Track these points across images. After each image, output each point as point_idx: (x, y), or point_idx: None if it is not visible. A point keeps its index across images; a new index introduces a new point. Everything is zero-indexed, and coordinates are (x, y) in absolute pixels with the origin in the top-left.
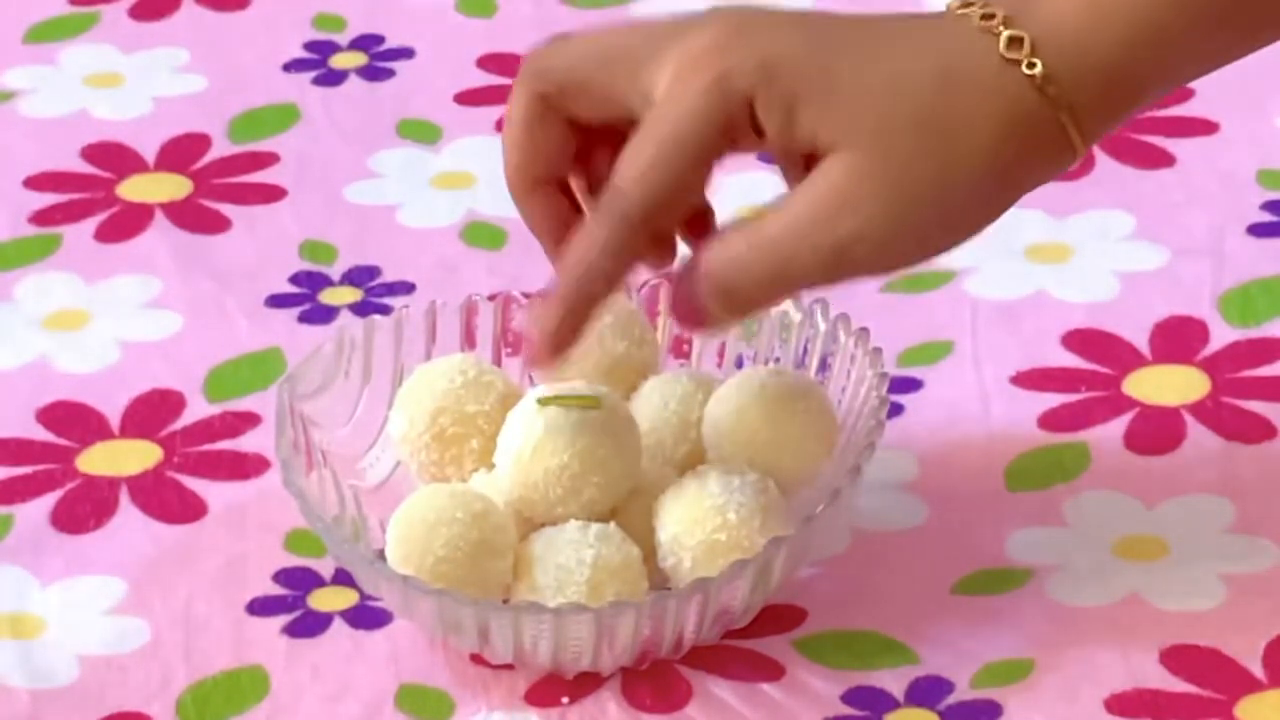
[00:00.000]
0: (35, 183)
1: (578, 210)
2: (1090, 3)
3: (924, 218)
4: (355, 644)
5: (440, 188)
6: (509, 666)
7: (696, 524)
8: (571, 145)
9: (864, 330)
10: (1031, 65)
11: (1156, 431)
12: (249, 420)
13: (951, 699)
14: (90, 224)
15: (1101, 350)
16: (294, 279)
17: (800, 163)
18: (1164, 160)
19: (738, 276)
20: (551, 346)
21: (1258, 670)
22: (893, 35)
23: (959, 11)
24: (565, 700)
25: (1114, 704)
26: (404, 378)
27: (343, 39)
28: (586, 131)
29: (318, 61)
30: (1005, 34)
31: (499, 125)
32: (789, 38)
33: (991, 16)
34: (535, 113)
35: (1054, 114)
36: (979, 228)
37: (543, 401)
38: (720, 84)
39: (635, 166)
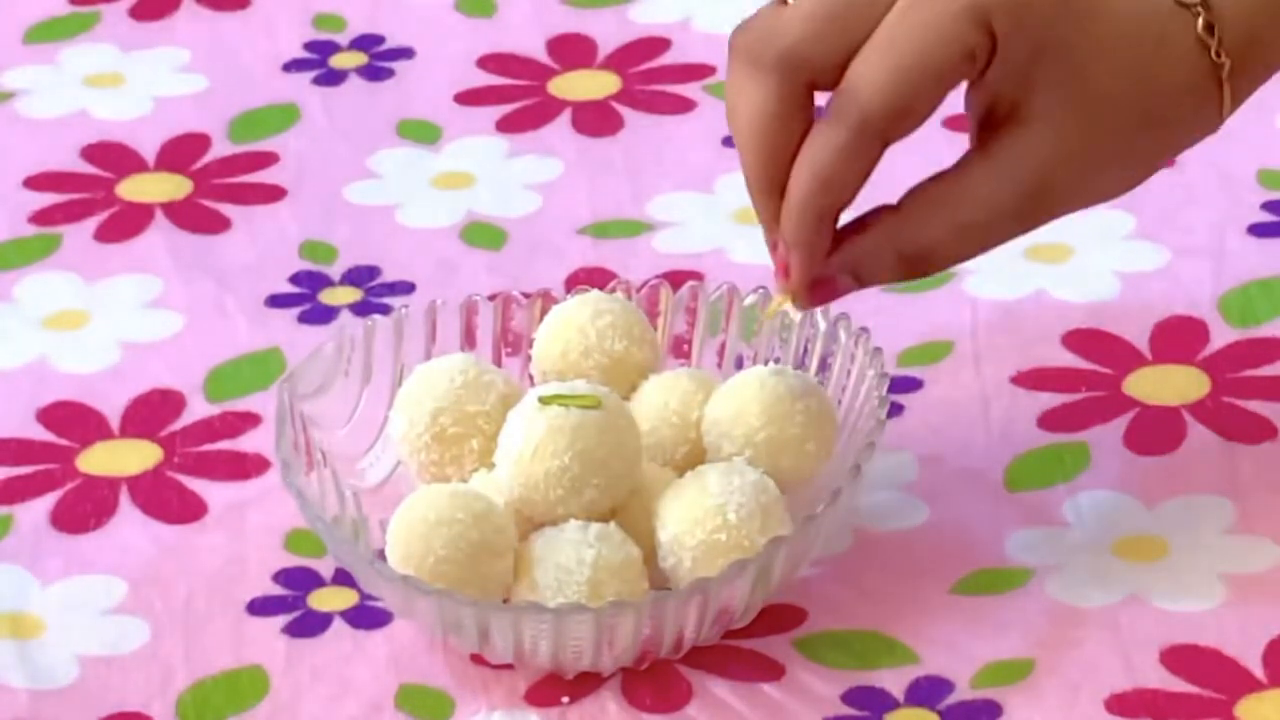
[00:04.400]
0: (35, 183)
1: None
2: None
3: (1112, 193)
4: (355, 644)
5: (440, 188)
6: (509, 666)
7: (697, 524)
8: (811, 124)
9: (864, 330)
10: (1218, 55)
11: (1156, 431)
12: (249, 420)
13: (951, 699)
14: (90, 224)
15: (1101, 350)
16: (294, 279)
17: (978, 111)
18: None
19: (935, 258)
20: (803, 262)
21: (1258, 670)
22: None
23: None
24: (565, 700)
25: (1114, 704)
26: (404, 378)
27: (343, 39)
28: None
29: (318, 61)
30: (1202, 18)
31: (500, 125)
32: None
33: None
34: (792, 104)
35: (1220, 99)
36: (1131, 188)
37: (543, 401)
38: (975, 12)
39: (877, 74)
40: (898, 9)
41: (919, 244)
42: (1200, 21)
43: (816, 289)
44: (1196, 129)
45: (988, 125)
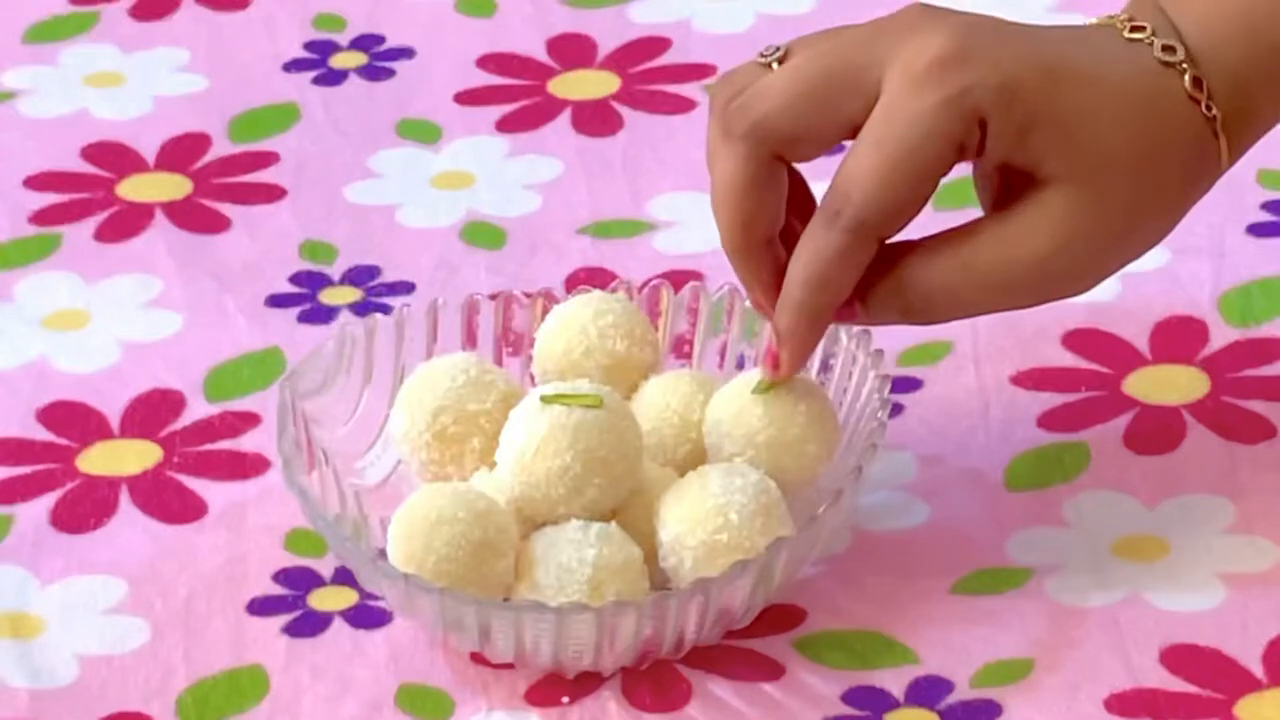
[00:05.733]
0: (35, 183)
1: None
2: (1249, 54)
3: (1127, 253)
4: (355, 644)
5: (440, 188)
6: (509, 666)
7: (698, 524)
8: (786, 192)
9: (865, 332)
10: (1209, 108)
11: (1156, 431)
12: (249, 420)
13: (951, 699)
14: (90, 224)
15: (1101, 350)
16: (294, 279)
17: (993, 176)
18: None
19: (944, 301)
20: (794, 356)
21: (1258, 670)
22: (1100, 59)
23: (1131, 36)
24: (565, 700)
25: (1114, 704)
26: (405, 376)
27: (343, 39)
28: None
29: (318, 61)
30: (1189, 74)
31: (500, 125)
32: (1021, 56)
33: (1171, 49)
34: (763, 174)
35: (1219, 150)
36: (1150, 248)
37: (545, 400)
38: (958, 101)
39: (867, 175)
40: (883, 103)
41: (927, 288)
42: (1188, 78)
43: None
44: (1201, 181)
45: (1004, 196)
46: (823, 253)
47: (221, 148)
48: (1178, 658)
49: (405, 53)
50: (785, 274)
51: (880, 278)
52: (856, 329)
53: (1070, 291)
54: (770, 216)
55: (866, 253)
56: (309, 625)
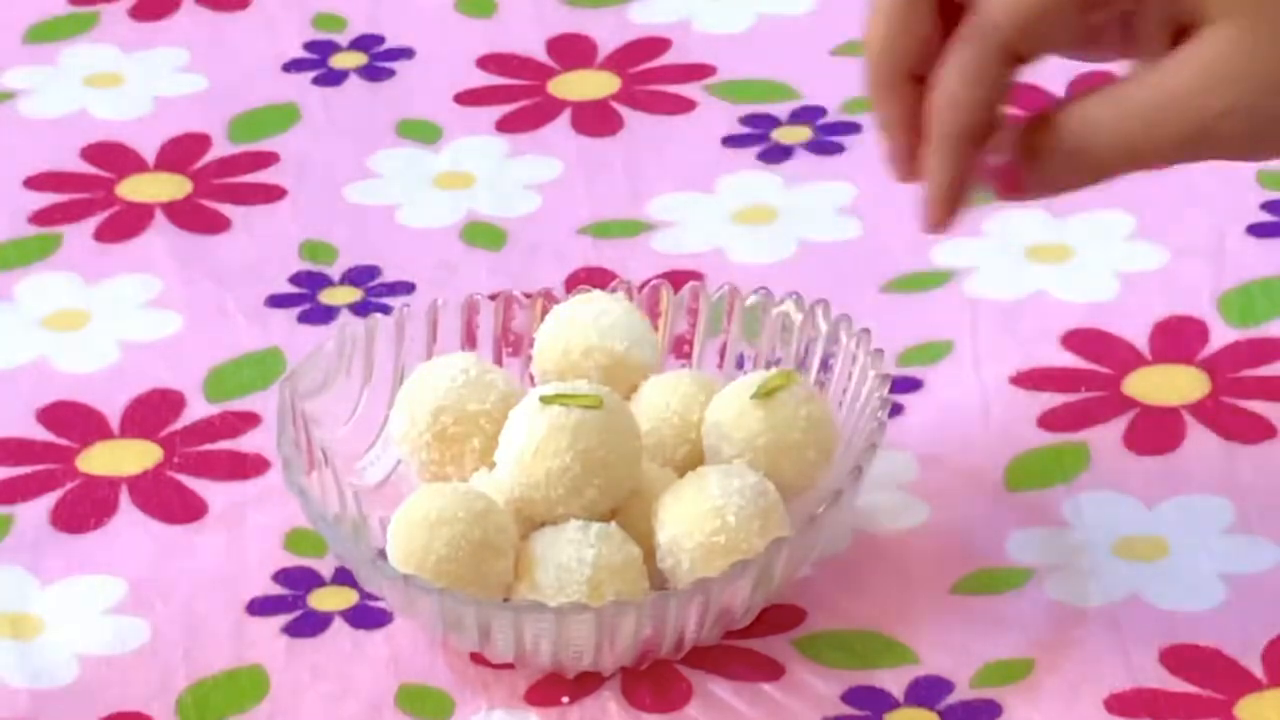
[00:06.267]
0: (35, 183)
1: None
2: None
3: None
4: (355, 644)
5: (440, 188)
6: (509, 666)
7: (696, 526)
8: (939, 39)
9: (865, 331)
10: None
11: (1156, 431)
12: (249, 420)
13: (951, 699)
14: (90, 224)
15: (1101, 350)
16: (294, 279)
17: (1161, 37)
18: None
19: (1096, 139)
20: (935, 195)
21: (1258, 670)
22: None
23: None
24: (565, 700)
25: (1114, 704)
26: (405, 377)
27: (343, 39)
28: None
29: (318, 61)
30: None
31: (500, 125)
32: None
33: None
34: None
35: None
36: None
37: (545, 400)
38: None
39: None
40: None
41: (1080, 127)
42: None
43: (1001, 178)
44: None
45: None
46: (955, 67)
47: (221, 148)
48: (1178, 658)
49: (405, 53)
50: (921, 123)
51: (1041, 134)
52: (857, 328)
53: (1236, 151)
54: (915, 45)
55: (998, 70)
56: (309, 625)
